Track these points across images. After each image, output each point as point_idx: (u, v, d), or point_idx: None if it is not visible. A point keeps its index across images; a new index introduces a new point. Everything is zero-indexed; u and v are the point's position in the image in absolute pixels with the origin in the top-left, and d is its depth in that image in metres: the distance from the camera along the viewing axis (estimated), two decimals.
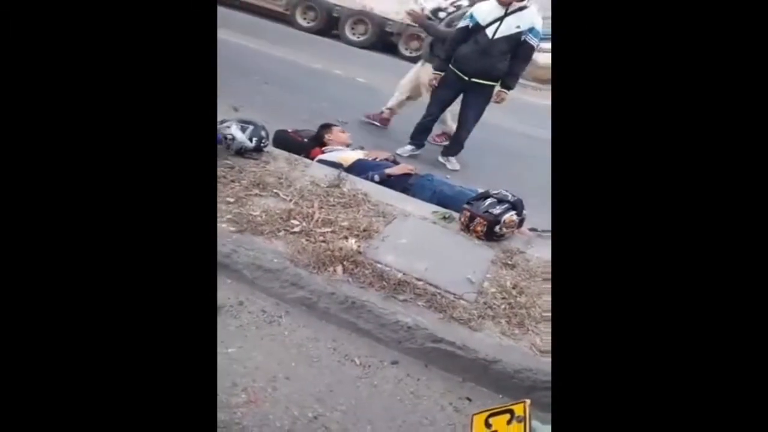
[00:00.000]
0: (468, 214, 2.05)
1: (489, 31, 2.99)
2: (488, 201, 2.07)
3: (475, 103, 3.27)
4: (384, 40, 7.88)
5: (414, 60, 5.65)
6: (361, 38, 7.87)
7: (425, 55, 3.76)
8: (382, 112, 3.93)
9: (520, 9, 2.94)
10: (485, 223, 2.00)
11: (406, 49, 7.75)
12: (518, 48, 3.03)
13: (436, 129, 3.72)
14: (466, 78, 3.16)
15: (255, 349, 1.35)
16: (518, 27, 2.96)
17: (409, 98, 3.86)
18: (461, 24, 3.13)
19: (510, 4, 2.92)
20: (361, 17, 7.80)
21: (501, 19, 2.96)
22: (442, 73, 3.26)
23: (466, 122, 3.36)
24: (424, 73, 3.62)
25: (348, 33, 7.89)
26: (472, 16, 3.04)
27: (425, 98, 3.60)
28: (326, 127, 2.87)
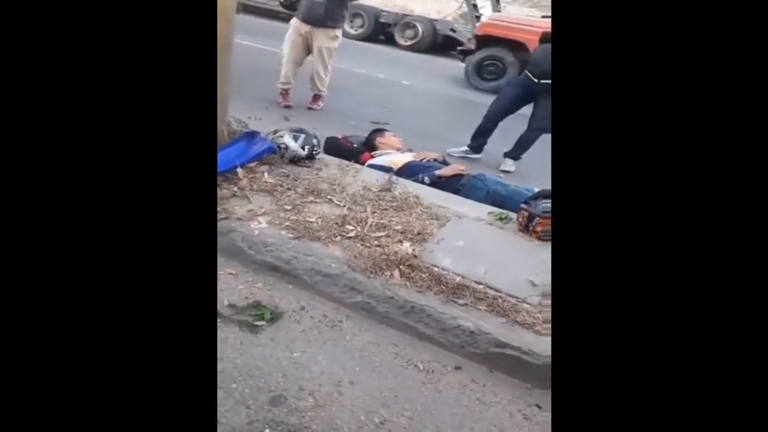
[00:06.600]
0: (526, 214, 1.98)
1: None
2: (547, 200, 1.99)
3: (546, 105, 3.23)
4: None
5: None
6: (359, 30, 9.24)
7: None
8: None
9: None
10: (546, 223, 1.92)
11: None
12: None
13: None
14: (536, 80, 3.20)
15: (319, 354, 1.36)
16: None
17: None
18: None
19: None
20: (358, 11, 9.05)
21: None
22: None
23: (539, 124, 3.31)
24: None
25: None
26: None
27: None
28: (378, 131, 2.89)
